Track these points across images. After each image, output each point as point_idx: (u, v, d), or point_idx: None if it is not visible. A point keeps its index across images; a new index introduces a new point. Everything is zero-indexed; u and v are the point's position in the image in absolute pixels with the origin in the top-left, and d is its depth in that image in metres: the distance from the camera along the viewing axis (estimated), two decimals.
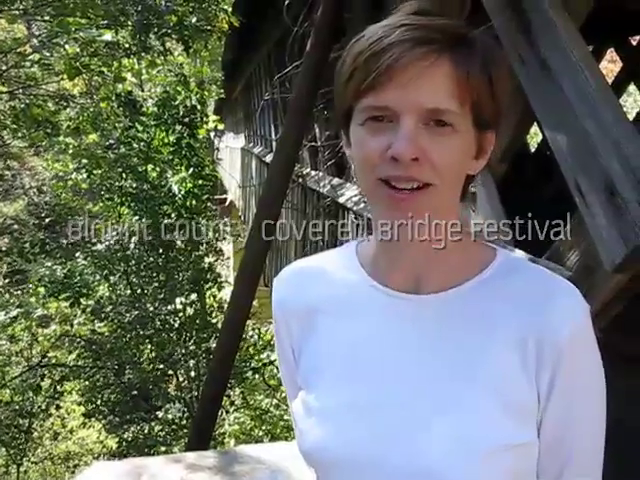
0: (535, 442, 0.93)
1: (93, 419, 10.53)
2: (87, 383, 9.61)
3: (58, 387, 9.64)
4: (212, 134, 14.25)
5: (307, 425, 0.99)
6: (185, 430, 9.01)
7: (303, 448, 0.99)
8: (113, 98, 8.81)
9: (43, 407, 9.88)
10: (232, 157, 15.45)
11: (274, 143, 8.26)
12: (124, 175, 9.07)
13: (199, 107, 10.08)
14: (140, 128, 9.22)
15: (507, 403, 0.91)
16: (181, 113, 9.54)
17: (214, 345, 8.66)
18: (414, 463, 0.90)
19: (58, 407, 10.26)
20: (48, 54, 7.08)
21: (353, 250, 1.07)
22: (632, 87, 8.49)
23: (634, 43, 7.57)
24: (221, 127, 13.23)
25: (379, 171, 0.87)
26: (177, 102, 9.57)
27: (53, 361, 9.85)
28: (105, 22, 6.68)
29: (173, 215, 9.22)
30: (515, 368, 0.92)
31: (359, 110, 0.89)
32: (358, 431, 0.94)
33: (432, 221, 0.91)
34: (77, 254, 9.39)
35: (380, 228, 0.97)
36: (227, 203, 15.76)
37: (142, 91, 11.37)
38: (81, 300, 8.49)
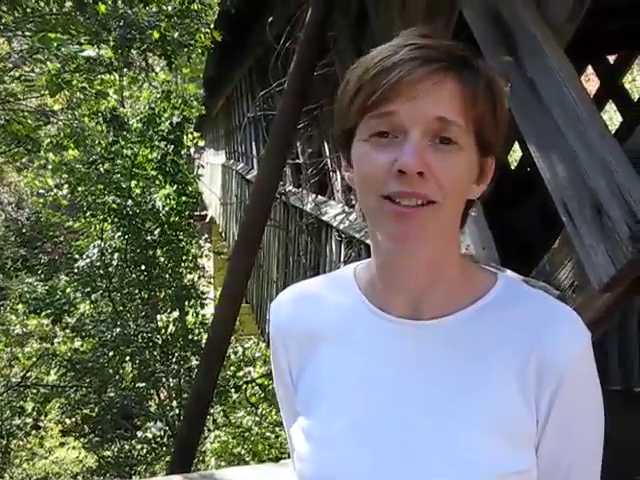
0: (534, 468, 0.93)
1: (72, 438, 10.38)
2: (66, 401, 9.47)
3: (41, 409, 9.48)
4: (192, 150, 14.20)
5: (307, 451, 0.98)
6: (166, 449, 8.91)
7: (303, 474, 0.98)
8: (98, 114, 8.76)
9: (22, 426, 9.71)
10: (212, 173, 15.41)
11: (255, 160, 8.25)
12: (106, 191, 9.01)
13: (184, 124, 10.06)
14: (123, 143, 9.18)
15: (506, 430, 0.91)
16: (166, 130, 9.51)
17: (195, 363, 8.60)
18: None
19: (38, 427, 10.10)
20: (28, 69, 7.04)
21: (351, 274, 1.05)
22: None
23: (611, 61, 7.68)
24: (202, 143, 13.22)
25: (383, 188, 0.86)
26: (162, 119, 9.54)
27: (34, 380, 9.69)
28: (87, 38, 6.65)
29: (156, 232, 9.17)
30: (514, 394, 0.92)
31: (364, 125, 0.89)
32: (358, 458, 0.93)
33: (430, 238, 0.90)
34: (59, 271, 9.30)
35: (383, 250, 0.96)
36: (207, 220, 15.71)
37: (123, 107, 11.31)
38: (62, 317, 8.38)
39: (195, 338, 9.42)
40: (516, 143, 7.06)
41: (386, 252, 0.95)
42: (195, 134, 11.58)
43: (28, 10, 6.98)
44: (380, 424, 0.94)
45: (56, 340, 9.25)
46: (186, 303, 9.62)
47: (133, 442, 9.35)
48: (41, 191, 11.04)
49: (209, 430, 9.29)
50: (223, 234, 12.77)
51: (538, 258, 2.10)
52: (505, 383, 0.92)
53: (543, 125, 1.94)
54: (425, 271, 0.95)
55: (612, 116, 11.28)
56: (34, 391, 9.50)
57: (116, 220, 8.98)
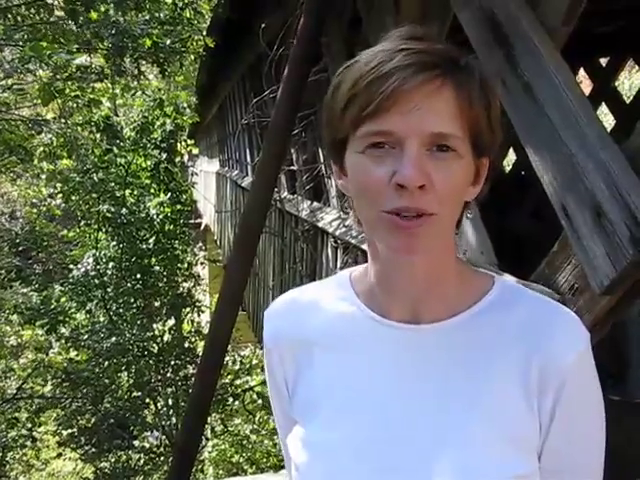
0: (537, 472, 0.92)
1: (69, 449, 10.30)
2: (62, 412, 9.41)
3: (35, 419, 9.41)
4: (186, 158, 14.19)
5: (304, 460, 0.96)
6: (163, 458, 8.87)
7: None
8: (91, 123, 8.72)
9: (17, 439, 9.64)
10: (206, 181, 15.41)
11: (249, 167, 8.24)
12: (101, 200, 8.98)
13: (178, 132, 10.04)
14: (117, 152, 9.15)
15: (509, 433, 0.90)
16: (159, 138, 9.48)
17: (192, 371, 8.56)
18: None
19: (34, 439, 10.01)
20: (18, 79, 7.01)
21: (347, 280, 1.04)
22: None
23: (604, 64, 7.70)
24: (195, 151, 13.19)
25: (384, 203, 0.85)
26: (155, 127, 9.52)
27: (29, 392, 9.62)
28: (78, 47, 6.64)
29: (151, 240, 9.14)
30: (516, 398, 0.91)
31: (358, 137, 0.86)
32: (359, 466, 0.91)
33: (432, 249, 0.90)
34: (53, 281, 9.26)
35: (381, 257, 0.95)
36: (202, 227, 15.69)
37: (117, 116, 11.29)
38: (57, 327, 8.34)
39: (191, 346, 9.39)
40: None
41: (385, 260, 0.95)
42: (189, 142, 11.56)
43: (19, 19, 6.97)
44: (380, 432, 0.92)
45: (51, 351, 9.18)
46: (182, 311, 9.59)
47: (130, 452, 9.30)
48: (35, 201, 11.02)
49: (207, 439, 9.25)
50: (218, 242, 12.75)
51: (533, 260, 2.08)
52: (507, 388, 0.91)
53: (540, 128, 1.93)
54: (423, 277, 0.94)
55: (602, 119, 11.32)
56: (29, 401, 9.45)
57: (110, 229, 8.95)
